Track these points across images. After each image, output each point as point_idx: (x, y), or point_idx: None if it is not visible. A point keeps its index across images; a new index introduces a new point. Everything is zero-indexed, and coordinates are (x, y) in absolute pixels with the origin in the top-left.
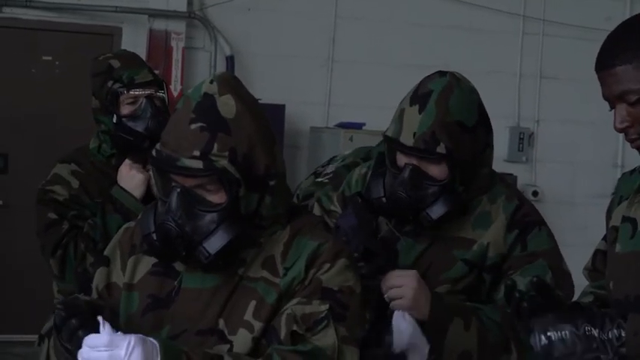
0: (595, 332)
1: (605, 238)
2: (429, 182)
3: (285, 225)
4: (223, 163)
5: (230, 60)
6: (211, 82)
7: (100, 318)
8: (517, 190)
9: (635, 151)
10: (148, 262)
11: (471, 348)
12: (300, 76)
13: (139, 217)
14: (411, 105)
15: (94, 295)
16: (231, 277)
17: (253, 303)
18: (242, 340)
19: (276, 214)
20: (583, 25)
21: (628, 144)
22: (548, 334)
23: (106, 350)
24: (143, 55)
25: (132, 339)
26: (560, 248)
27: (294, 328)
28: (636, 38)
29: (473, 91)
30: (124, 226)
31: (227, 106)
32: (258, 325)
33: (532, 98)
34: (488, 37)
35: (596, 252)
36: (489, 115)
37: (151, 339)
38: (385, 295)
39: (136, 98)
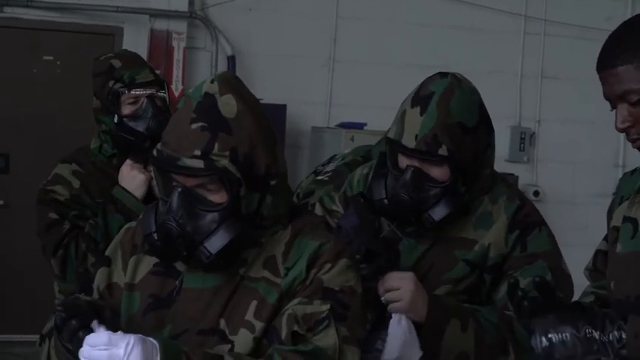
0: (596, 334)
1: (606, 238)
2: (430, 184)
3: (286, 225)
4: (224, 162)
5: (231, 60)
6: (212, 81)
7: (94, 322)
8: (518, 190)
9: (637, 151)
10: (149, 262)
11: (468, 349)
12: (302, 76)
13: (141, 217)
14: (412, 107)
15: (95, 295)
16: (232, 277)
17: (254, 303)
18: (243, 340)
19: (278, 213)
20: (584, 25)
21: (629, 144)
22: (549, 335)
23: (106, 349)
24: (144, 55)
25: (131, 338)
26: (561, 248)
27: (295, 328)
28: (637, 38)
29: (474, 92)
30: (126, 226)
31: (228, 105)
32: (259, 325)
33: (533, 98)
34: (489, 37)
35: (597, 252)
36: (490, 115)
37: (151, 339)
38: (382, 298)
39: (137, 98)
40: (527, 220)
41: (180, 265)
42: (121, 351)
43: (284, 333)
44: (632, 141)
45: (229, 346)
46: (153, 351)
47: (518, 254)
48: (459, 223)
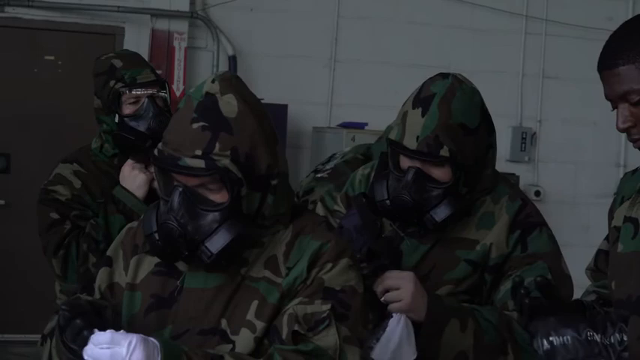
0: (597, 337)
1: (607, 238)
2: (432, 185)
3: (287, 225)
4: (225, 162)
5: (232, 60)
6: (213, 81)
7: (95, 332)
8: (520, 191)
9: (638, 151)
10: (150, 262)
11: (466, 349)
12: (303, 76)
13: (142, 217)
14: (413, 108)
15: (97, 294)
16: (233, 277)
17: (255, 303)
18: (244, 340)
19: (279, 213)
20: (585, 25)
21: (630, 144)
22: (551, 339)
23: (108, 348)
24: (145, 55)
25: (134, 338)
26: (562, 248)
27: (296, 327)
28: (638, 38)
29: (475, 93)
30: (127, 226)
31: (229, 105)
32: (260, 325)
33: (534, 98)
34: (490, 37)
35: (599, 252)
36: (491, 115)
37: (152, 339)
38: (382, 298)
39: (138, 98)
40: (529, 220)
41: (181, 265)
42: (124, 350)
43: (285, 333)
44: (634, 141)
45: (230, 346)
46: (154, 351)
47: (518, 254)
48: (461, 224)
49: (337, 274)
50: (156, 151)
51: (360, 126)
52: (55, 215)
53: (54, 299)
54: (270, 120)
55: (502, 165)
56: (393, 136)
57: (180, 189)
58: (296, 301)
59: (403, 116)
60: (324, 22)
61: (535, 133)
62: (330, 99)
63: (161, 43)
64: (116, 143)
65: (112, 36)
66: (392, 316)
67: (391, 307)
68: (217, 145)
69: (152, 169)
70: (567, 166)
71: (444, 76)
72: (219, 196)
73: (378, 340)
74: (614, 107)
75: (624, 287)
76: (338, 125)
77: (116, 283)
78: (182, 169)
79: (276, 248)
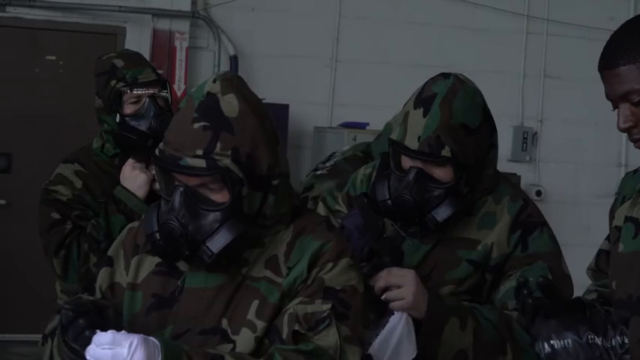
0: (598, 340)
1: (608, 238)
2: (434, 185)
3: (288, 224)
4: (226, 162)
5: (234, 60)
6: (214, 81)
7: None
8: (521, 190)
9: (639, 151)
10: (151, 262)
11: (466, 348)
12: (304, 75)
13: (143, 216)
14: (415, 108)
15: (98, 295)
16: (234, 277)
17: (256, 303)
18: (245, 340)
19: (280, 213)
20: (587, 25)
21: (631, 144)
22: (552, 342)
23: (110, 348)
24: (147, 55)
25: (134, 338)
26: (563, 248)
27: (296, 327)
28: (639, 38)
29: (477, 93)
30: (128, 226)
31: (230, 105)
32: (260, 325)
33: (535, 98)
34: (491, 37)
35: (600, 252)
36: (493, 115)
37: (153, 339)
38: (383, 296)
39: (139, 97)
40: (530, 220)
41: (182, 265)
42: (125, 350)
43: (285, 332)
44: (635, 141)
45: (231, 345)
46: (155, 351)
47: (519, 254)
48: (463, 224)
49: (338, 274)
50: (157, 151)
51: (362, 126)
52: (56, 215)
53: (55, 299)
54: (272, 120)
55: (503, 165)
56: (394, 136)
57: (182, 189)
58: (296, 300)
59: (405, 116)
60: (325, 22)
61: (536, 133)
62: (332, 99)
63: (162, 43)
64: (117, 143)
65: (114, 36)
66: (393, 314)
67: (392, 305)
68: (218, 145)
69: (153, 169)
70: (568, 165)
71: (445, 76)
72: (220, 196)
73: (377, 335)
74: (615, 107)
75: (625, 287)
76: (339, 125)
77: (117, 283)
78: (183, 168)
79: (277, 248)
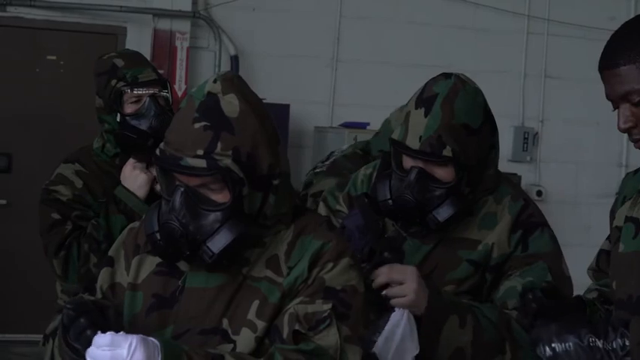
0: (599, 343)
1: (609, 238)
2: (435, 185)
3: (289, 224)
4: (227, 162)
5: (234, 60)
6: (215, 81)
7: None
8: (522, 191)
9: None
10: (152, 262)
11: (464, 345)
12: (305, 75)
13: (144, 216)
14: (416, 108)
15: (99, 295)
16: (234, 277)
17: (256, 302)
18: (245, 340)
19: (280, 213)
20: (587, 25)
21: (632, 144)
22: (553, 345)
23: (109, 350)
24: (148, 55)
25: (134, 339)
26: (564, 248)
27: (297, 327)
28: (639, 38)
29: (478, 93)
30: (129, 226)
31: (231, 105)
32: (261, 325)
33: (536, 98)
34: (492, 37)
35: (601, 252)
36: (494, 115)
37: (152, 339)
38: (384, 292)
39: (139, 97)
40: (531, 220)
41: (183, 265)
42: (124, 352)
43: (285, 332)
44: (635, 141)
45: (231, 345)
46: (155, 351)
47: (519, 254)
48: (464, 224)
49: (338, 274)
50: (158, 151)
51: (362, 126)
52: (56, 215)
53: (55, 299)
54: (272, 120)
55: (504, 165)
56: (395, 136)
57: (182, 189)
58: (297, 300)
59: (406, 116)
60: (326, 22)
61: (537, 133)
62: (332, 99)
63: (163, 43)
64: (118, 142)
65: (114, 36)
66: (393, 310)
67: (394, 301)
68: (219, 145)
69: (154, 169)
70: (569, 166)
71: (446, 76)
72: (221, 196)
73: (380, 333)
74: (615, 107)
75: (625, 287)
76: (340, 125)
77: (118, 283)
78: (184, 168)
79: (278, 248)
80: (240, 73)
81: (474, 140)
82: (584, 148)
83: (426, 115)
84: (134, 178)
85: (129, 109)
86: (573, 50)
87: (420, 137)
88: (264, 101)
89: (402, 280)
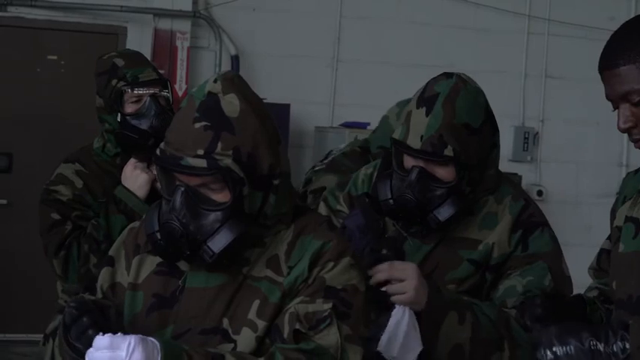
0: (600, 346)
1: (609, 238)
2: (436, 184)
3: (289, 224)
4: (227, 162)
5: (235, 60)
6: (215, 81)
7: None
8: (523, 190)
9: None
10: (152, 262)
11: (463, 342)
12: (305, 75)
13: (144, 216)
14: (417, 107)
15: (99, 294)
16: (235, 277)
17: (257, 302)
18: (246, 340)
19: (281, 213)
20: (588, 25)
21: (632, 144)
22: (554, 349)
23: (108, 352)
24: (148, 55)
25: (132, 339)
26: (565, 248)
27: (297, 326)
28: (639, 38)
29: (479, 93)
30: (129, 226)
31: (231, 105)
32: (261, 325)
33: (537, 98)
34: (493, 37)
35: (601, 251)
36: (494, 115)
37: (152, 338)
38: (384, 288)
39: (140, 97)
40: (531, 220)
41: (183, 265)
42: (123, 353)
43: (286, 331)
44: (635, 141)
45: (232, 345)
46: (154, 351)
47: (519, 254)
48: (464, 223)
49: (339, 273)
50: (158, 151)
51: (362, 126)
52: (56, 216)
53: (56, 299)
54: (273, 120)
55: (504, 165)
56: (396, 135)
57: (183, 189)
58: (297, 300)
59: (407, 116)
60: (326, 22)
61: (537, 132)
62: (333, 99)
63: (164, 43)
64: (118, 142)
65: (115, 35)
66: (393, 307)
67: (395, 298)
68: (219, 145)
69: (154, 169)
70: (569, 165)
71: (447, 75)
72: (222, 196)
73: (384, 332)
74: (615, 107)
75: (625, 287)
76: (340, 125)
77: (118, 282)
78: (184, 168)
79: (278, 248)
80: (241, 72)
81: (475, 140)
82: (584, 148)
83: (427, 115)
84: (135, 177)
85: (129, 108)
86: (574, 50)
87: (422, 137)
88: (264, 101)
89: (402, 277)
